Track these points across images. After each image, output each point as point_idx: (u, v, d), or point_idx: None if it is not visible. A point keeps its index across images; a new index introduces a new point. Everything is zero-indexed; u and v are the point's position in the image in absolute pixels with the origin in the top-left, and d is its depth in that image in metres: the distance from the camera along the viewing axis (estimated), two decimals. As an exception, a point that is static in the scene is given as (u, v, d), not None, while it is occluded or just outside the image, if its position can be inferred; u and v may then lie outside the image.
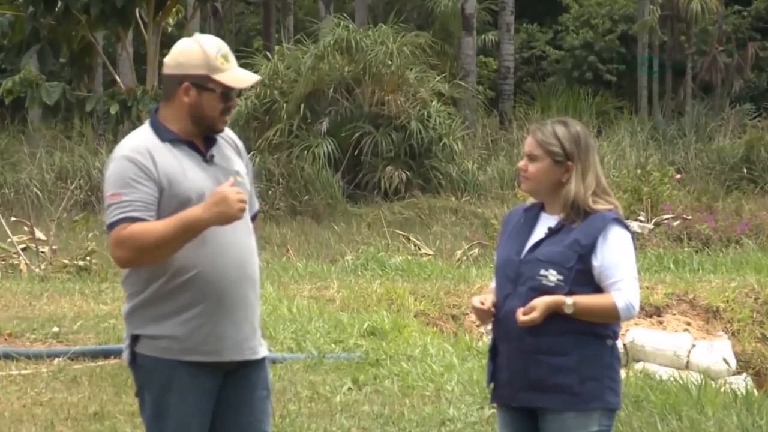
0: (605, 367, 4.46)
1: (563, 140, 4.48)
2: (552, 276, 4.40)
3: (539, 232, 4.52)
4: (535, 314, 4.35)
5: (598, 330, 4.45)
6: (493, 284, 4.64)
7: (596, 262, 4.42)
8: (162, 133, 4.36)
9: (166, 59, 4.43)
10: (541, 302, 4.36)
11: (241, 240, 4.39)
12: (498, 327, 4.52)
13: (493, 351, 4.57)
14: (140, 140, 4.35)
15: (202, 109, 4.35)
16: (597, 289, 4.44)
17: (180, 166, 4.32)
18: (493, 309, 4.50)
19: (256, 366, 4.46)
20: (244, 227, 4.41)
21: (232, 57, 4.40)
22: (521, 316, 4.37)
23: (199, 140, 4.40)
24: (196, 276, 4.30)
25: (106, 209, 4.30)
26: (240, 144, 4.57)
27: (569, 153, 4.47)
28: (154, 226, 4.21)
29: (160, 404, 4.37)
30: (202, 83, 4.33)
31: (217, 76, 4.33)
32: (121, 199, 4.24)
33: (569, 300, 4.37)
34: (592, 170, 4.48)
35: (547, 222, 4.53)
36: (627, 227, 4.51)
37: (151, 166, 4.28)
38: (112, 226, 4.26)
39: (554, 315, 4.38)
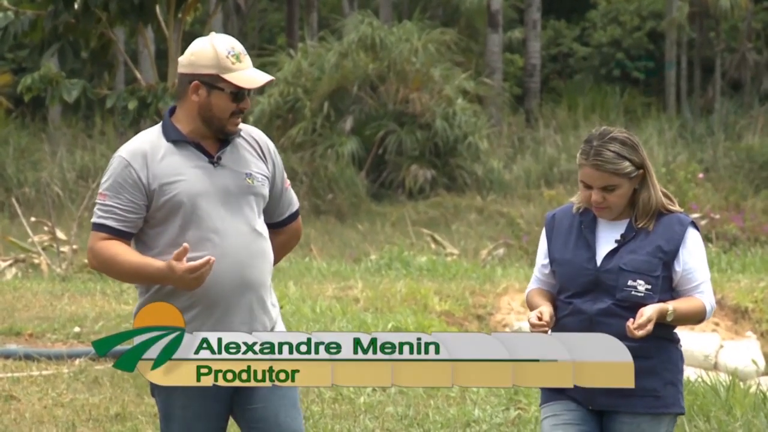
0: (679, 371, 4.46)
1: (628, 156, 4.38)
2: (641, 286, 4.35)
3: (604, 238, 4.44)
4: (650, 326, 4.26)
5: (672, 335, 4.44)
6: (531, 286, 4.56)
7: (678, 267, 4.40)
8: (169, 132, 4.39)
9: (181, 58, 4.45)
10: (653, 313, 4.27)
11: (242, 245, 4.36)
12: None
13: None
14: (142, 140, 4.39)
15: (211, 110, 4.36)
16: (674, 293, 4.40)
17: (177, 168, 4.33)
18: (550, 322, 4.39)
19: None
20: (249, 231, 4.38)
21: (246, 57, 4.39)
22: (638, 331, 4.24)
23: (209, 142, 4.40)
24: None
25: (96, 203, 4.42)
26: (268, 145, 4.53)
27: (637, 163, 4.40)
28: (122, 260, 4.28)
29: (167, 406, 4.42)
30: (212, 82, 4.34)
31: (227, 76, 4.33)
32: (104, 201, 4.35)
33: (671, 307, 4.33)
34: (652, 168, 4.45)
35: (608, 227, 4.44)
36: (699, 229, 4.47)
37: (142, 172, 4.32)
38: (93, 224, 4.39)
39: None
